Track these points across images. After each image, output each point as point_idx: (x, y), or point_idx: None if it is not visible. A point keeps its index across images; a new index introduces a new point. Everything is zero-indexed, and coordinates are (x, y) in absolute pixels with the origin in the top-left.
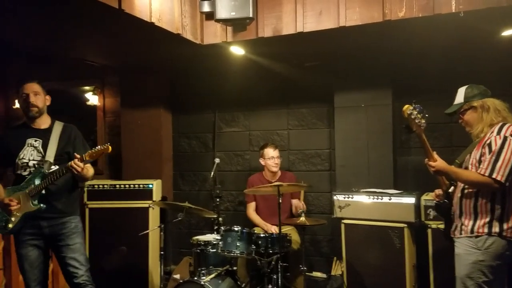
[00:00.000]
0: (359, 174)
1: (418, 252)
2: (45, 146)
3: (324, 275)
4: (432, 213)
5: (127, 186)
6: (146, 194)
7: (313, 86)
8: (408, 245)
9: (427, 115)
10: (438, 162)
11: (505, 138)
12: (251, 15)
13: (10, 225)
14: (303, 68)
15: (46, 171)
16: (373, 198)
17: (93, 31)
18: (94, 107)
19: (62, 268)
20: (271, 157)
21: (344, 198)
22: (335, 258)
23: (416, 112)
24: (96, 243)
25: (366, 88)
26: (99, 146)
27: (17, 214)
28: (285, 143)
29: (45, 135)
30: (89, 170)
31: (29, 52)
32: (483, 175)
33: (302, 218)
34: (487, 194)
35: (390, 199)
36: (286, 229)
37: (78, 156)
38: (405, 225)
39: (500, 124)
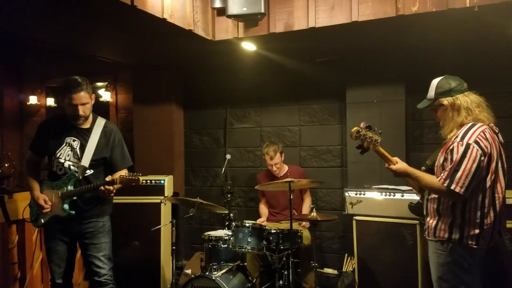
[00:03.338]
0: (371, 170)
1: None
2: (82, 148)
3: (336, 272)
4: None
5: None
6: (158, 189)
7: (325, 82)
8: (421, 242)
9: (380, 131)
10: (397, 165)
11: (467, 146)
12: (262, 11)
13: (42, 221)
14: (315, 64)
15: (80, 176)
16: (385, 195)
17: (106, 28)
18: (106, 103)
19: (86, 265)
20: (269, 164)
21: (356, 194)
22: (346, 254)
23: (364, 132)
24: None
25: (378, 84)
26: (130, 174)
27: (48, 213)
28: (297, 139)
29: (84, 136)
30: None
31: (43, 48)
32: (442, 184)
33: (314, 214)
34: (447, 200)
35: (402, 196)
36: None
37: (108, 179)
38: (418, 222)
39: (468, 126)
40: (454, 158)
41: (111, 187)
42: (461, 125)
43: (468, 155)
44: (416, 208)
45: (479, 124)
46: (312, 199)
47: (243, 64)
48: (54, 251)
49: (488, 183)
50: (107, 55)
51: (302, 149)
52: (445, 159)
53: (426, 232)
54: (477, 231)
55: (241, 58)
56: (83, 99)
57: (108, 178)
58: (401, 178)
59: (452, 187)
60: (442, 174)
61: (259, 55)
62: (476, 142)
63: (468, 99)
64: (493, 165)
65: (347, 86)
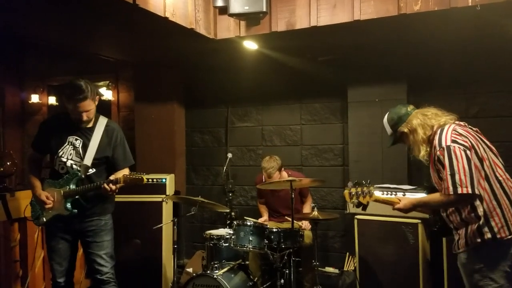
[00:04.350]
0: (373, 169)
1: (432, 248)
2: (84, 147)
3: (337, 271)
4: None
5: None
6: (159, 188)
7: (327, 80)
8: (422, 241)
9: (369, 181)
10: (402, 203)
11: (448, 148)
12: (264, 9)
13: (43, 220)
14: (317, 63)
15: (83, 175)
16: (387, 194)
17: (108, 26)
18: (108, 102)
19: (88, 263)
20: (267, 181)
21: None
22: (347, 253)
23: (355, 190)
24: None
25: (380, 83)
26: (134, 174)
27: (50, 212)
28: (298, 138)
29: (86, 135)
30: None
31: (44, 47)
32: (449, 194)
33: (315, 213)
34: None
35: (404, 195)
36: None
37: (112, 178)
38: (419, 221)
39: (438, 132)
40: (445, 165)
41: (114, 187)
42: (424, 141)
43: (453, 156)
44: (441, 230)
45: (447, 126)
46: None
47: (244, 62)
48: (55, 250)
49: (488, 171)
50: (109, 54)
51: (304, 148)
52: (439, 171)
53: (456, 247)
54: (502, 220)
55: (243, 56)
56: (87, 107)
57: (112, 177)
58: (413, 211)
59: (459, 191)
60: (443, 186)
61: (260, 53)
62: (453, 141)
63: (419, 115)
64: (481, 152)
65: (348, 85)
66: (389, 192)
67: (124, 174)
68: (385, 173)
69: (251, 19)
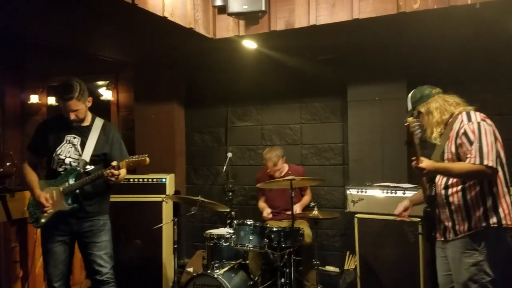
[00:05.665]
0: (373, 168)
1: (432, 246)
2: (83, 144)
3: (337, 270)
4: None
5: (140, 180)
6: (159, 188)
7: (326, 79)
8: (423, 240)
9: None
10: (425, 163)
11: (478, 124)
12: (263, 8)
13: (43, 220)
14: (316, 62)
15: (81, 170)
16: (387, 192)
17: (108, 26)
18: (107, 102)
19: (87, 264)
20: (272, 170)
21: (358, 192)
22: (348, 252)
23: (418, 126)
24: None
25: (380, 81)
26: (136, 156)
27: (50, 210)
28: (298, 137)
29: (84, 133)
30: (122, 173)
31: (44, 47)
32: (474, 163)
33: (315, 212)
34: (474, 186)
35: (404, 193)
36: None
37: (114, 164)
38: (420, 219)
39: (464, 113)
40: (472, 138)
41: (116, 172)
42: (439, 124)
43: (483, 130)
44: (430, 215)
45: (471, 110)
46: (311, 197)
47: (244, 62)
48: (52, 253)
49: (504, 160)
50: (108, 54)
51: (304, 147)
52: (459, 145)
53: (450, 232)
54: (510, 207)
55: (242, 56)
56: (73, 107)
57: (114, 163)
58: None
59: (485, 163)
60: (469, 155)
61: (260, 53)
62: (482, 120)
63: (439, 99)
64: (500, 142)
65: (348, 83)
66: (389, 191)
67: (126, 159)
68: (385, 172)
69: (250, 18)
